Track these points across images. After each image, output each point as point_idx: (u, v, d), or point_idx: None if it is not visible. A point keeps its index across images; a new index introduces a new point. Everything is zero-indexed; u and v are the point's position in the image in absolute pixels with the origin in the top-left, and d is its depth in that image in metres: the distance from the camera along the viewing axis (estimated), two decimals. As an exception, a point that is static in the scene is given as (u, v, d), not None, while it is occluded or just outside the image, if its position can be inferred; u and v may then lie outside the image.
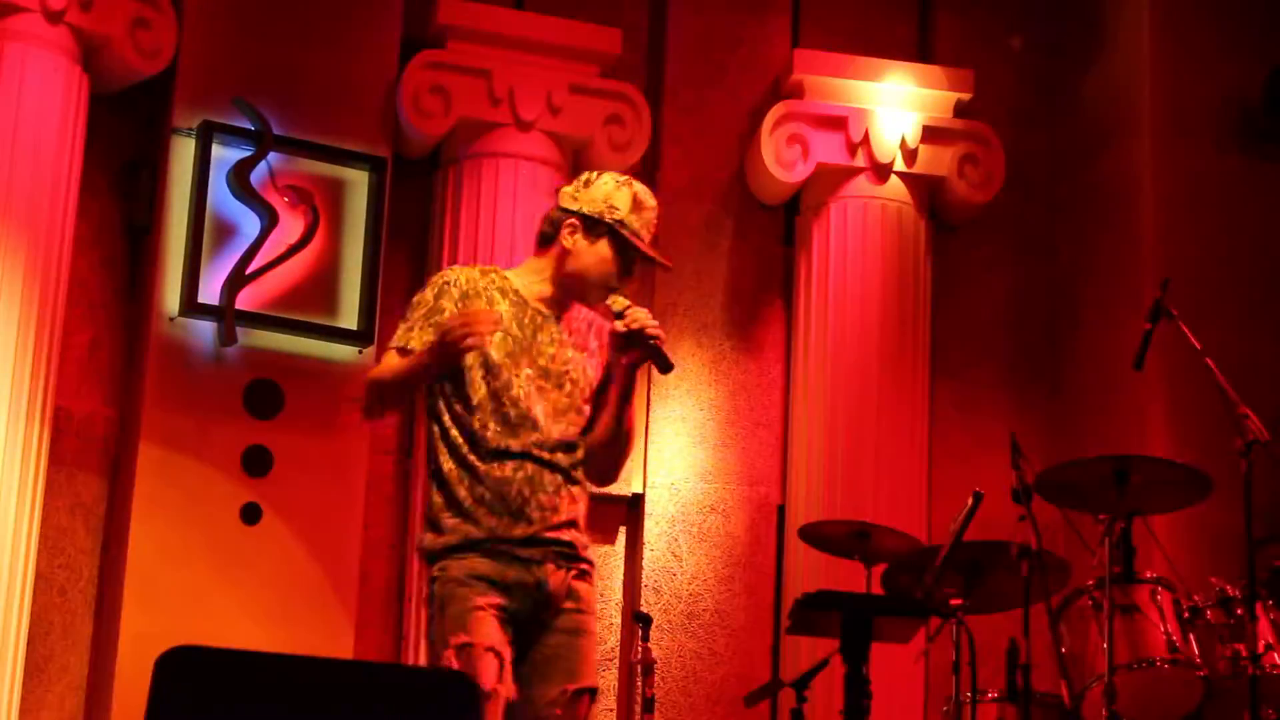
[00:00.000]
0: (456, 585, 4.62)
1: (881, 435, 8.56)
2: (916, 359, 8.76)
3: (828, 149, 8.86)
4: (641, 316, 4.76)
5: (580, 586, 4.75)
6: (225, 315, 7.94)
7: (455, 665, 4.48)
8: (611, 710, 8.55)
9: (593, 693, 4.72)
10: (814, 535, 7.61)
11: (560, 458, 4.75)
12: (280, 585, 7.81)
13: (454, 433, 4.72)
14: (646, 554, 8.64)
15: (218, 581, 7.78)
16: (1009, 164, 9.05)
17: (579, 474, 4.80)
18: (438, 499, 4.73)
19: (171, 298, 7.94)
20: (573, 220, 4.85)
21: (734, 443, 8.83)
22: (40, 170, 7.59)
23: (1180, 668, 6.47)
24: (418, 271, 8.34)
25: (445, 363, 4.65)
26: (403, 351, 4.74)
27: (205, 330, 7.97)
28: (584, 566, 4.77)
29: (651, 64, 9.17)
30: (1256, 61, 8.92)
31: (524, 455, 4.70)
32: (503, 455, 4.69)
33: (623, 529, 8.78)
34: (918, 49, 9.38)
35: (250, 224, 8.08)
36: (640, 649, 7.05)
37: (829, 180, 8.89)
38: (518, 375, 4.73)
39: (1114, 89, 9.14)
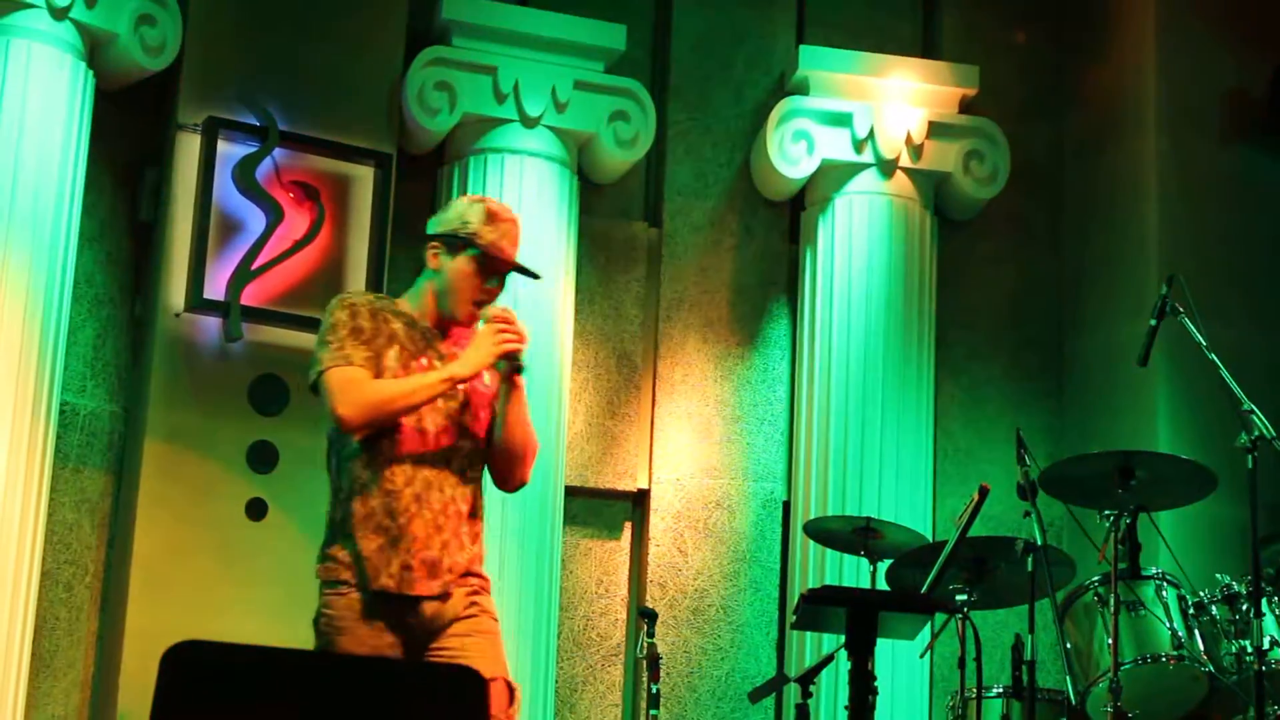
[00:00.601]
0: None
1: (886, 431, 8.56)
2: (921, 354, 8.76)
3: (833, 145, 8.86)
4: (499, 314, 4.89)
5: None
6: (230, 311, 7.94)
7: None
8: (617, 705, 8.56)
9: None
10: (819, 531, 7.62)
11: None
12: (285, 580, 7.80)
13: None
14: (652, 549, 8.65)
15: (223, 577, 7.78)
16: (1014, 159, 9.06)
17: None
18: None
19: (177, 294, 7.95)
20: (435, 244, 5.04)
21: (739, 438, 8.83)
22: (46, 166, 7.59)
23: (1185, 664, 6.47)
24: (422, 267, 8.33)
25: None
26: (349, 366, 4.83)
27: (210, 326, 7.98)
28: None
29: (657, 60, 9.17)
30: (1261, 55, 8.93)
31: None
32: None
33: (628, 524, 8.78)
34: (923, 45, 9.38)
35: (255, 220, 8.09)
36: (646, 644, 7.05)
37: (834, 176, 8.89)
38: None
39: (1119, 84, 9.14)
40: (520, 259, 5.05)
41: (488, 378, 4.97)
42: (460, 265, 4.98)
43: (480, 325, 4.93)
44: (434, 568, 4.78)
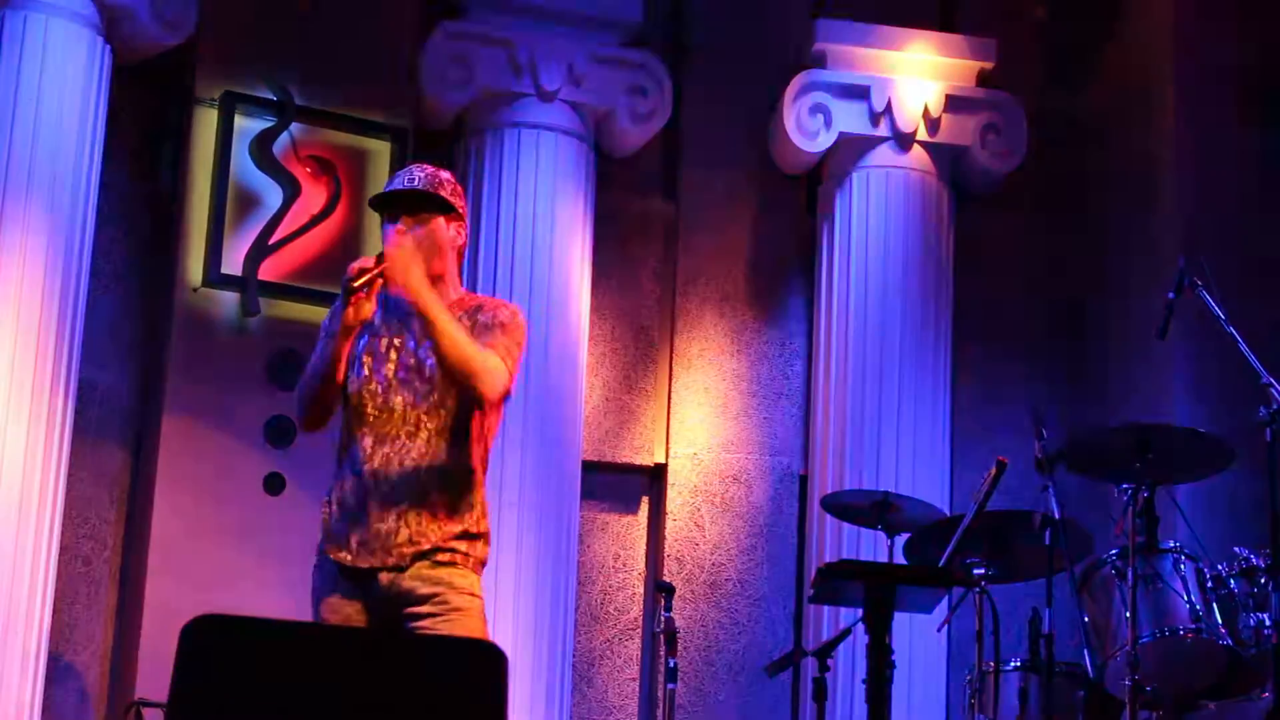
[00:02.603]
0: None
1: (904, 405, 8.55)
2: (939, 328, 8.75)
3: (850, 118, 8.84)
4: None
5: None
6: (248, 286, 7.95)
7: None
8: (634, 679, 8.57)
9: None
10: (836, 505, 7.62)
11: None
12: (303, 554, 7.78)
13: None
14: (669, 524, 8.66)
15: (241, 551, 7.80)
16: (1032, 133, 9.03)
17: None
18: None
19: (194, 269, 7.96)
20: None
21: (756, 413, 8.83)
22: (63, 142, 7.59)
23: (1203, 637, 6.46)
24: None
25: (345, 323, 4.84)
26: None
27: (228, 301, 7.99)
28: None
29: (673, 34, 9.15)
30: (1279, 31, 8.89)
31: None
32: None
33: (645, 499, 8.79)
34: (940, 18, 9.35)
35: (273, 195, 8.09)
36: (663, 618, 7.05)
37: (851, 150, 8.87)
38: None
39: (1137, 58, 9.11)
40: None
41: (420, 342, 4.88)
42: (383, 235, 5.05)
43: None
44: (386, 540, 4.77)
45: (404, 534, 4.77)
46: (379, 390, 4.86)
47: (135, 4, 7.86)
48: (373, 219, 8.21)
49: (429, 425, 4.83)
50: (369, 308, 4.83)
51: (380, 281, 4.80)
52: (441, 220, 4.98)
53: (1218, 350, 6.81)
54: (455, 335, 4.74)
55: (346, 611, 4.81)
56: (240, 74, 8.12)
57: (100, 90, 7.78)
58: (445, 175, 5.04)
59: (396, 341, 4.91)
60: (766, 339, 8.93)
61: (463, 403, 4.83)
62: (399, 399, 4.84)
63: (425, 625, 4.71)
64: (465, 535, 4.82)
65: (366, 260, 4.84)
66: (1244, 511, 7.84)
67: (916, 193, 8.81)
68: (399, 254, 4.80)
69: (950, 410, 8.77)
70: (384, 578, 4.77)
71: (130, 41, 7.99)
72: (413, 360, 4.87)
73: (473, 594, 4.79)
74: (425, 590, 4.74)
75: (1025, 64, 9.31)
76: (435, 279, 4.90)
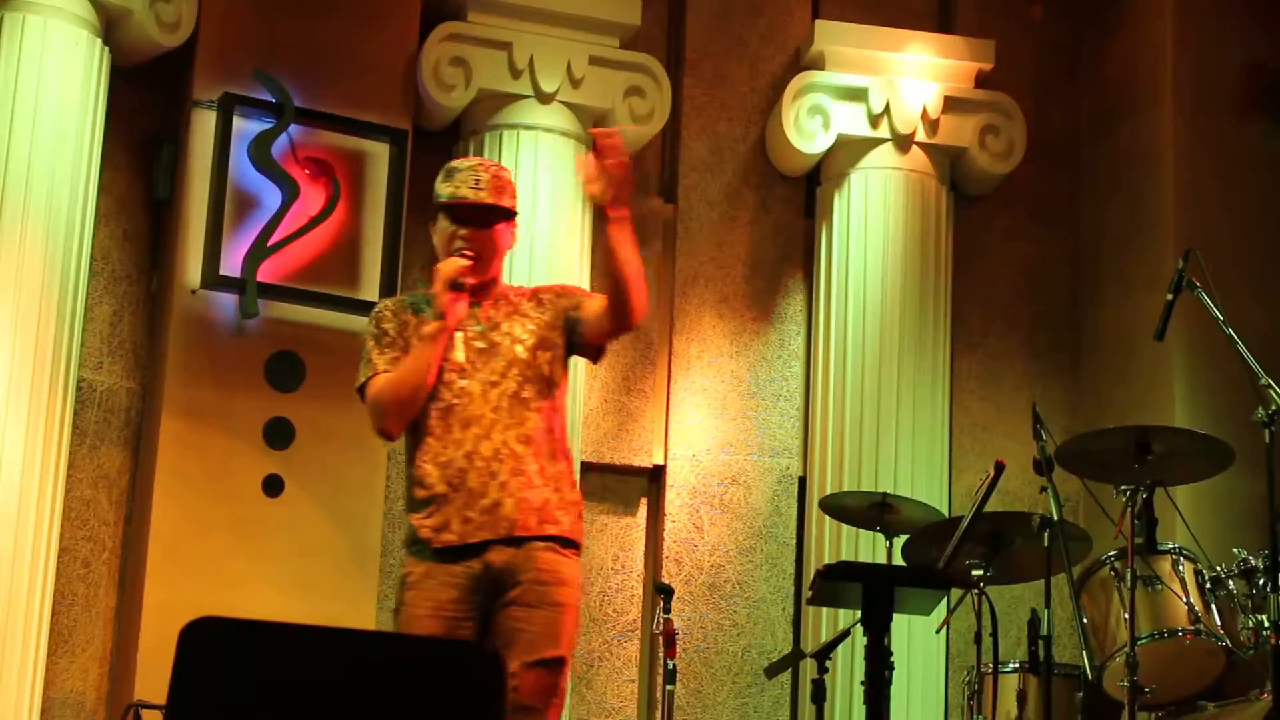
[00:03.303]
0: None
1: (902, 406, 8.56)
2: (937, 330, 8.75)
3: (849, 120, 8.84)
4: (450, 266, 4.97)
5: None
6: (247, 288, 7.95)
7: None
8: (633, 680, 8.57)
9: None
10: (835, 506, 7.63)
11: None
12: (302, 557, 7.83)
13: None
14: (668, 525, 8.66)
15: (240, 553, 7.80)
16: (1030, 134, 9.04)
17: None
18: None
19: (193, 270, 7.95)
20: (431, 221, 5.15)
21: (755, 414, 8.84)
22: (61, 143, 7.59)
23: (1202, 638, 6.47)
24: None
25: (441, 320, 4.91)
26: (375, 376, 4.96)
27: (227, 303, 7.98)
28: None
29: (672, 35, 9.16)
30: (1278, 30, 8.89)
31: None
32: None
33: (644, 500, 8.79)
34: (939, 19, 9.36)
35: (271, 196, 8.09)
36: (662, 620, 7.06)
37: (850, 151, 8.88)
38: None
39: (1136, 58, 9.11)
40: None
41: (524, 333, 4.98)
42: (439, 228, 5.07)
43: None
44: (493, 512, 4.81)
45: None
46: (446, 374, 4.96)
47: (134, 6, 7.86)
48: (373, 220, 8.23)
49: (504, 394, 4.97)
50: (463, 307, 4.96)
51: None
52: (502, 225, 5.06)
53: (1216, 351, 6.81)
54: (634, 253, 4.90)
55: None
56: (238, 76, 8.12)
57: (98, 92, 7.78)
58: (506, 176, 5.12)
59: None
60: (765, 340, 8.93)
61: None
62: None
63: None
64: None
65: (458, 261, 4.94)
66: (1242, 513, 7.85)
67: (915, 194, 8.82)
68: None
69: (949, 412, 8.77)
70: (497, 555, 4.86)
71: (129, 43, 7.99)
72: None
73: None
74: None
75: (1023, 65, 9.32)
76: (490, 282, 5.05)
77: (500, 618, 4.81)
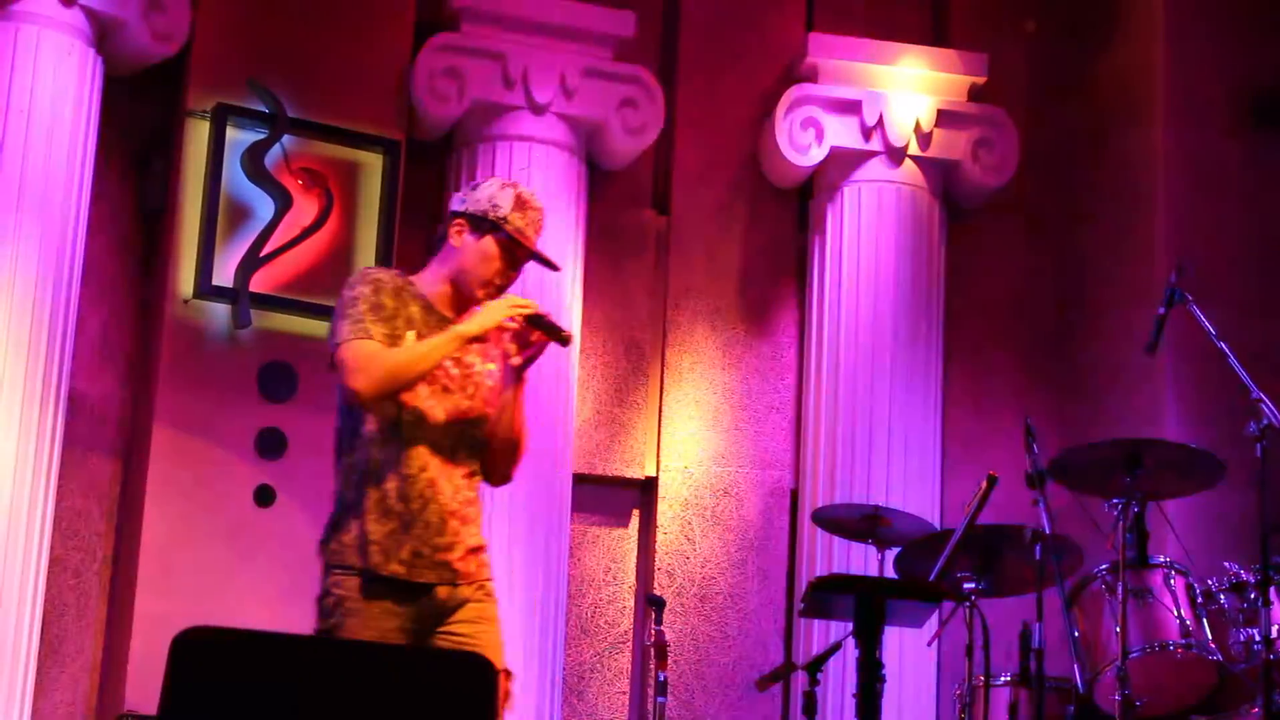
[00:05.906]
0: None
1: (894, 419, 8.56)
2: (930, 342, 8.76)
3: (842, 133, 8.85)
4: (524, 302, 4.90)
5: None
6: (239, 298, 7.95)
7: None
8: (624, 692, 8.56)
9: None
10: (827, 519, 7.63)
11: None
12: (293, 567, 7.81)
13: None
14: (660, 537, 8.66)
15: (231, 563, 7.79)
16: (1023, 148, 9.05)
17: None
18: None
19: (186, 280, 7.95)
20: (460, 220, 4.97)
21: (747, 426, 8.84)
22: (54, 153, 7.59)
23: (1194, 652, 6.47)
24: (430, 252, 8.33)
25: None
26: (367, 339, 4.81)
27: (219, 313, 7.98)
28: None
29: (665, 47, 9.16)
30: (1270, 44, 8.91)
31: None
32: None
33: (636, 512, 8.79)
34: (932, 33, 9.37)
35: (264, 206, 8.09)
36: (653, 631, 7.06)
37: (843, 164, 8.88)
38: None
39: (1128, 73, 9.13)
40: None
41: (494, 367, 4.96)
42: (484, 246, 4.92)
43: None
44: (446, 553, 4.79)
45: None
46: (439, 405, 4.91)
47: (127, 16, 7.87)
48: (366, 231, 8.23)
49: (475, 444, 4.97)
50: (513, 350, 4.93)
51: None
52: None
53: (1208, 365, 6.81)
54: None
55: None
56: (232, 86, 8.12)
57: (92, 101, 7.78)
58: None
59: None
60: (758, 353, 8.93)
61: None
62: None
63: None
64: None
65: (519, 310, 4.87)
66: (1234, 526, 7.85)
67: (908, 207, 8.82)
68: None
69: (941, 424, 8.77)
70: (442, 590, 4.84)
71: (122, 53, 7.99)
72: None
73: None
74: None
75: (1016, 78, 9.32)
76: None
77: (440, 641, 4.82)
